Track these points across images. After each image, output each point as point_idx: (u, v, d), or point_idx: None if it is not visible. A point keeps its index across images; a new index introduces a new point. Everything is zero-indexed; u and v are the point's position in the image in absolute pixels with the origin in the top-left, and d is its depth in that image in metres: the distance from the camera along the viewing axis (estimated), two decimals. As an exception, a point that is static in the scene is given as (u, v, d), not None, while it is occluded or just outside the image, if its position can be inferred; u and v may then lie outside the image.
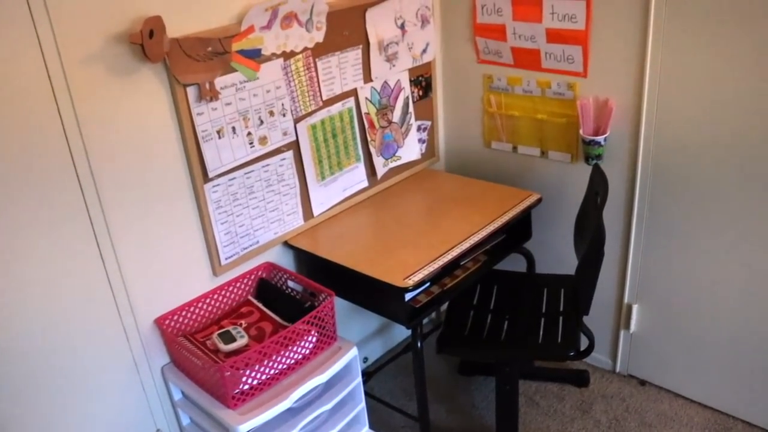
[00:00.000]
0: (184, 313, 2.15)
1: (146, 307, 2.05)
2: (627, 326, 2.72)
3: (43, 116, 1.68)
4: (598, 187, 2.23)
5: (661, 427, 2.56)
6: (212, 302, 2.23)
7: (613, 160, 2.48)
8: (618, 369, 2.85)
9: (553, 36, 2.43)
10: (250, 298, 2.32)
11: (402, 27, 2.57)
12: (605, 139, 2.42)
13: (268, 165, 2.25)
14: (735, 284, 2.36)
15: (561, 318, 2.37)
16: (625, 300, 2.68)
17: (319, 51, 2.30)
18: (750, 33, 2.02)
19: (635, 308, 2.67)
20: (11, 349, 1.76)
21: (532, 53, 2.53)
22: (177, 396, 2.19)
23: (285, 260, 2.45)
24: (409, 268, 2.15)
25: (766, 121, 2.09)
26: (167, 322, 2.10)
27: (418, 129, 2.83)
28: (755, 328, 2.37)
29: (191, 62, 1.91)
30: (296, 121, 2.30)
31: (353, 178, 2.59)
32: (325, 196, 2.50)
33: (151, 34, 1.75)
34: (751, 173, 2.18)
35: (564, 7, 2.36)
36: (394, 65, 2.60)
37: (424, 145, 2.89)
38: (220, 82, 2.02)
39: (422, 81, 2.77)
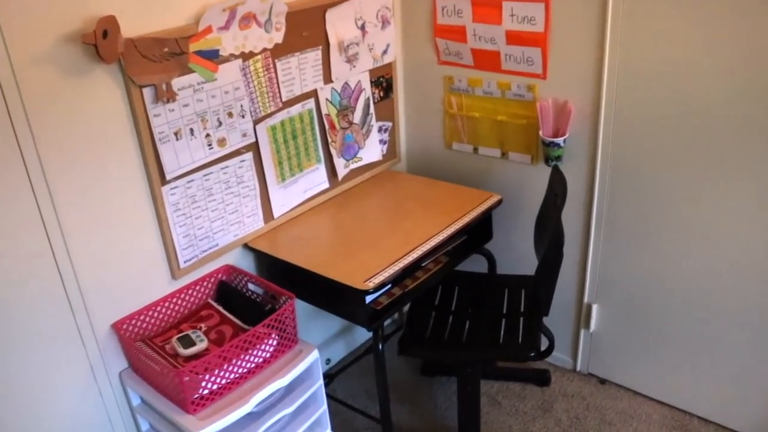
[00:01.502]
0: (142, 317, 2.11)
1: (103, 312, 2.01)
2: (587, 326, 2.75)
3: (-7, 118, 1.64)
4: (557, 188, 2.25)
5: (621, 425, 2.59)
6: (171, 306, 2.20)
7: (573, 161, 2.50)
8: (579, 368, 2.88)
9: (513, 38, 2.44)
10: (210, 301, 2.29)
11: (362, 28, 2.57)
12: (565, 141, 2.44)
13: (227, 167, 2.22)
14: (692, 283, 2.40)
15: (522, 319, 2.38)
16: (585, 300, 2.71)
17: (278, 52, 2.28)
18: (707, 29, 2.06)
19: (595, 308, 2.70)
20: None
21: (492, 55, 2.54)
22: (136, 402, 2.15)
23: (245, 263, 2.43)
24: (370, 270, 2.14)
25: (721, 121, 2.13)
26: (125, 326, 2.07)
27: (379, 130, 2.82)
28: (712, 326, 2.42)
29: (147, 63, 1.88)
30: (255, 122, 2.28)
31: (314, 180, 2.58)
32: (286, 198, 2.48)
33: (104, 35, 1.72)
34: (709, 173, 2.22)
35: (523, 9, 2.37)
36: (354, 66, 2.59)
37: (385, 146, 2.88)
38: (177, 83, 1.99)
39: (383, 82, 2.77)
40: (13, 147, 1.69)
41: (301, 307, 2.49)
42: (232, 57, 2.13)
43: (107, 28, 1.72)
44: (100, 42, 1.72)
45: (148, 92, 1.92)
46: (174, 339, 2.07)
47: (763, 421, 2.44)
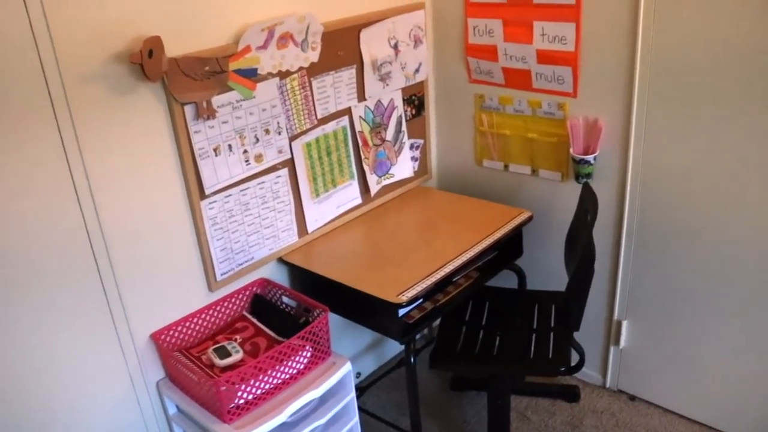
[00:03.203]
0: (180, 328, 2.17)
1: (142, 322, 2.07)
2: (617, 342, 2.75)
3: (43, 134, 1.70)
4: (587, 205, 2.27)
5: (651, 442, 2.59)
6: (208, 317, 2.25)
7: (603, 178, 2.52)
8: (608, 384, 2.87)
9: (544, 57, 2.48)
10: (244, 313, 2.34)
11: (395, 47, 2.62)
12: (595, 158, 2.46)
13: (263, 182, 2.28)
14: (724, 300, 2.40)
15: (552, 334, 2.40)
16: (615, 316, 2.72)
17: (314, 70, 2.34)
18: (738, 47, 2.07)
19: (625, 324, 2.70)
20: (4, 359, 1.78)
21: (523, 74, 2.57)
22: (172, 410, 2.20)
23: (279, 276, 2.48)
24: (402, 284, 2.17)
25: (753, 137, 2.13)
26: (163, 337, 2.12)
27: (411, 147, 2.86)
28: (742, 343, 2.41)
29: (189, 81, 1.94)
30: (291, 139, 2.33)
31: (347, 195, 2.63)
32: (320, 213, 2.53)
33: (150, 54, 1.78)
34: (742, 190, 2.22)
35: (554, 29, 2.41)
36: (387, 84, 2.64)
37: (417, 162, 2.93)
38: (217, 100, 2.05)
39: (415, 100, 2.82)
40: (61, 160, 1.75)
41: (332, 320, 2.52)
42: (270, 75, 2.19)
43: (153, 48, 1.79)
44: (146, 61, 1.78)
45: (189, 109, 1.99)
46: (210, 350, 2.11)
47: (796, 440, 2.42)
